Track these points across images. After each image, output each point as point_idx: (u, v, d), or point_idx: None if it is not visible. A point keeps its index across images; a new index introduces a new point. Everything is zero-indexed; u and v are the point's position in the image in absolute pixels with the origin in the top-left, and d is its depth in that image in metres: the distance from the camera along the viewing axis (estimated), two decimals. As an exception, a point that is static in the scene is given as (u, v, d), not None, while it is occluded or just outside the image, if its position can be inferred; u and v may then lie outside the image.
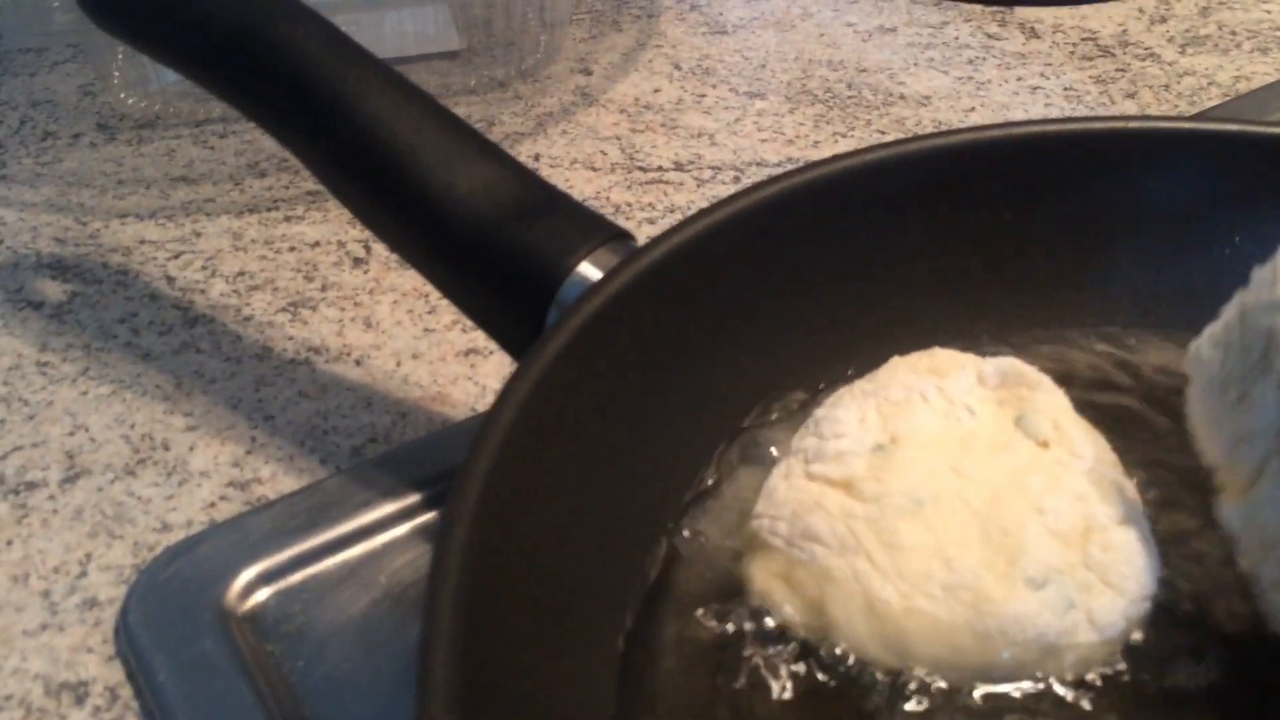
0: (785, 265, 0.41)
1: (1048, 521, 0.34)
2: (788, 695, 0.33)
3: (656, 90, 0.73)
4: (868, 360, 0.42)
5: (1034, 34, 0.79)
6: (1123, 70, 0.74)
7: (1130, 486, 0.36)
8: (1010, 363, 0.39)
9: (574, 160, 0.66)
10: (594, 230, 0.39)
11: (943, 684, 0.32)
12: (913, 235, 0.43)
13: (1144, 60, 0.75)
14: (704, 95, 0.72)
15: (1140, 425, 0.41)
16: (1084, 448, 0.36)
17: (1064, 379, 0.41)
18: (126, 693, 0.38)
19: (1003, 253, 0.43)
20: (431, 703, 0.25)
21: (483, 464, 0.30)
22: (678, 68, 0.76)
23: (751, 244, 0.40)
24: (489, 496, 0.29)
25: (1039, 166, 0.43)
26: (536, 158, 0.67)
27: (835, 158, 0.41)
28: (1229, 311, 0.33)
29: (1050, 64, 0.75)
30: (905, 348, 0.41)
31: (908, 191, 0.42)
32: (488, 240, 0.39)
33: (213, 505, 0.45)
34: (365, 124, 0.40)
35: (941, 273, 0.43)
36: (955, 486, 0.35)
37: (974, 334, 0.44)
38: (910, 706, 0.32)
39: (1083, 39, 0.78)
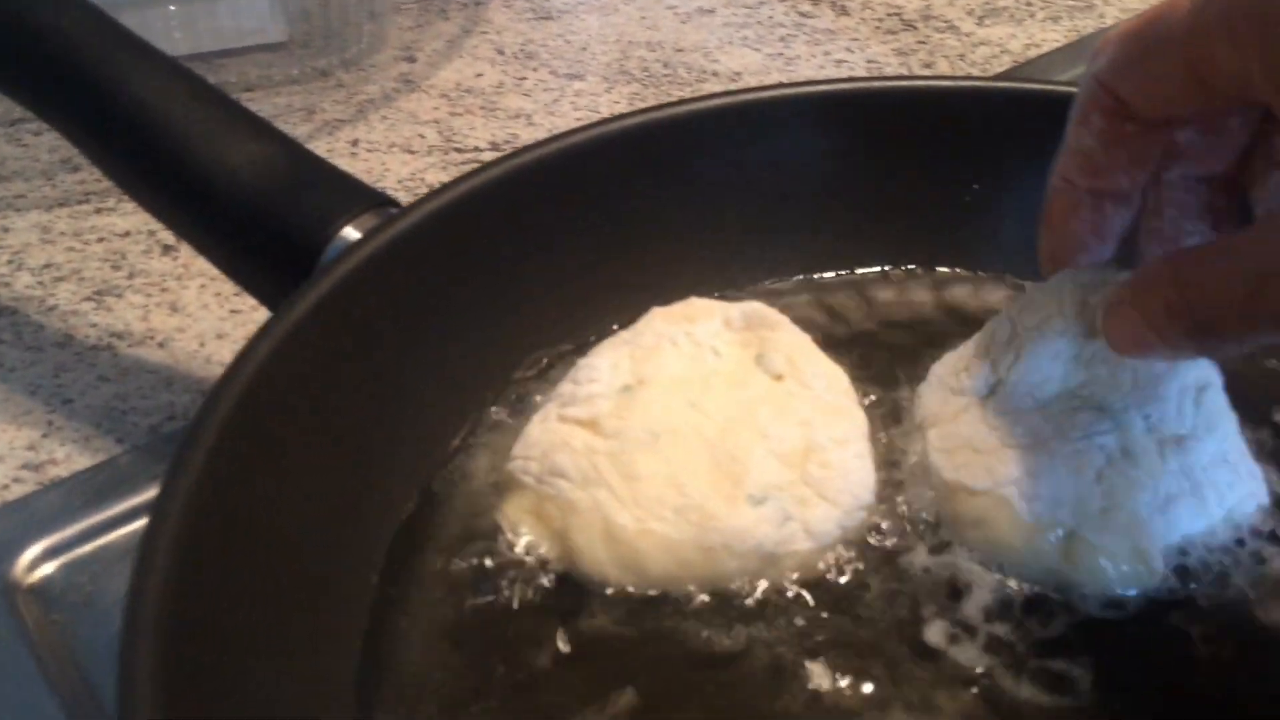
0: (548, 227, 0.43)
1: (771, 445, 0.36)
2: (535, 617, 0.35)
3: (479, 75, 0.75)
4: (636, 313, 0.44)
5: (844, 11, 0.82)
6: (923, 42, 0.78)
7: (857, 411, 0.39)
8: (754, 306, 0.41)
9: (392, 144, 0.68)
10: (359, 198, 0.40)
11: (676, 596, 0.34)
12: (669, 195, 0.45)
13: (943, 32, 0.79)
14: (524, 78, 0.74)
15: (881, 350, 0.44)
16: (815, 379, 0.39)
17: (814, 319, 0.44)
18: (-92, 668, 0.39)
19: (756, 207, 0.46)
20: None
21: (215, 419, 0.31)
22: (501, 53, 0.77)
23: (512, 207, 0.42)
24: (223, 445, 0.31)
25: (774, 129, 0.45)
26: (355, 143, 0.68)
27: (588, 126, 0.44)
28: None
29: (857, 39, 0.79)
30: (670, 300, 0.44)
31: (656, 156, 0.44)
32: (256, 211, 0.40)
33: (5, 488, 0.46)
34: (133, 105, 0.41)
35: (700, 229, 0.46)
36: (691, 420, 0.37)
37: (734, 284, 0.46)
38: (647, 620, 0.34)
39: (889, 14, 0.82)
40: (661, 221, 0.45)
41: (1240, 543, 0.36)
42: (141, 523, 0.43)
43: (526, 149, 0.42)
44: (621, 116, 0.45)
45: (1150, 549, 0.35)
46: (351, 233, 0.39)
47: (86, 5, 0.44)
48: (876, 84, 0.47)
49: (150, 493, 0.44)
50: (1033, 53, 0.76)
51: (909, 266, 0.48)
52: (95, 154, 0.43)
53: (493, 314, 0.42)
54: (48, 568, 0.41)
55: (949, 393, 0.39)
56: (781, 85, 0.46)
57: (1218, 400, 0.37)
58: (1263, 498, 0.37)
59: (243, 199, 0.40)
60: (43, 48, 0.42)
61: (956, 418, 0.38)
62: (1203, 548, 0.36)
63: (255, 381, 0.33)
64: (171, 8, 0.73)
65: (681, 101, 0.45)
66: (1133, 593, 0.35)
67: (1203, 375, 0.37)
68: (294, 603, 0.32)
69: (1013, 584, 0.35)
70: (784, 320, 0.41)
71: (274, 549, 0.32)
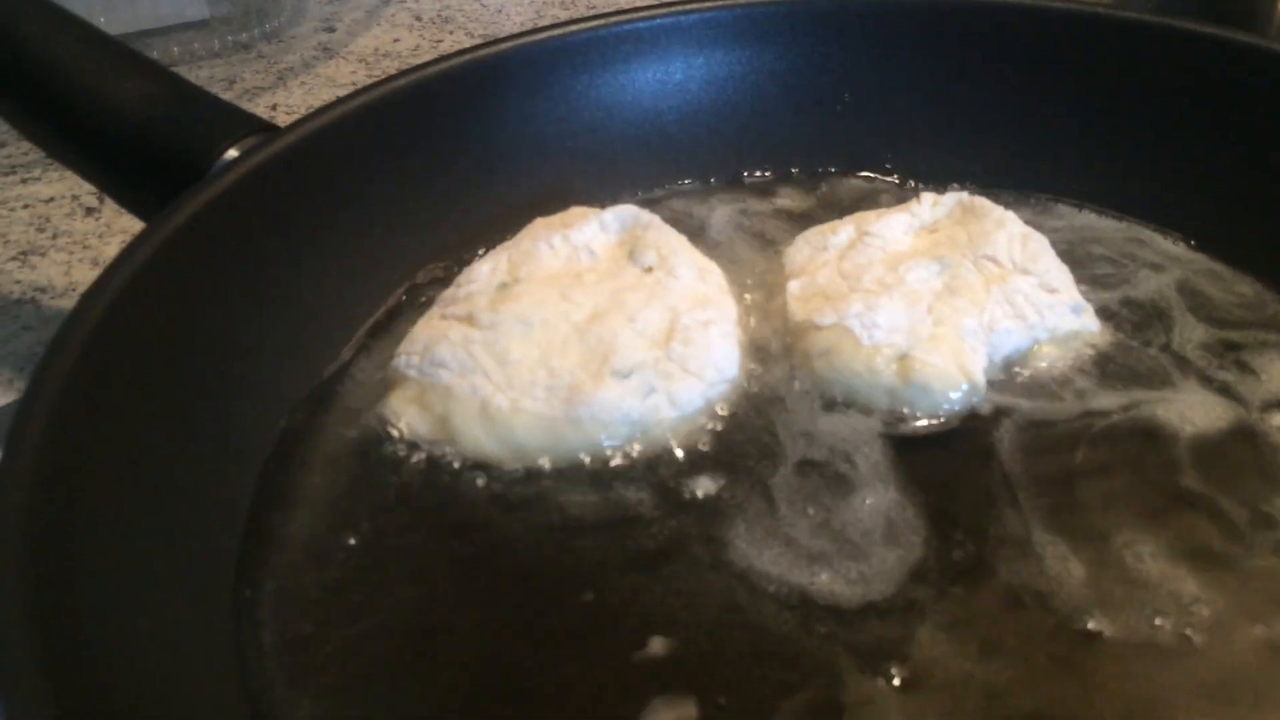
0: (429, 148, 0.45)
1: (637, 328, 0.38)
2: (414, 491, 0.37)
3: (396, 40, 0.77)
4: (524, 225, 0.46)
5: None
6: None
7: (726, 299, 0.41)
8: (628, 209, 0.43)
9: (309, 107, 0.70)
10: (241, 123, 0.42)
11: (545, 465, 0.37)
12: (553, 114, 0.47)
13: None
14: (441, 41, 0.77)
15: (760, 250, 0.46)
16: (683, 270, 0.41)
17: (709, 222, 0.47)
18: None
19: (637, 123, 0.48)
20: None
21: (88, 313, 0.33)
22: (419, 19, 0.80)
23: (392, 129, 0.44)
24: (98, 341, 0.32)
25: (661, 49, 0.48)
26: (274, 108, 0.70)
27: (464, 50, 0.46)
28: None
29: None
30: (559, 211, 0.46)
31: (533, 79, 0.46)
32: (143, 139, 0.42)
33: (-71, 429, 0.47)
34: (19, 48, 0.43)
35: (583, 145, 0.48)
36: (562, 309, 0.39)
37: (617, 197, 0.48)
38: (520, 489, 0.36)
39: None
40: (544, 140, 0.47)
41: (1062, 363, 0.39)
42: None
43: (402, 74, 0.45)
44: (495, 41, 0.47)
45: (972, 365, 0.37)
46: (234, 154, 0.41)
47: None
48: (746, 1, 0.49)
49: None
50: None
51: (793, 171, 0.50)
52: (-6, 100, 0.45)
53: (381, 228, 0.44)
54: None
55: (814, 250, 0.42)
56: (649, 7, 0.49)
57: (1041, 244, 0.40)
58: (1091, 325, 0.40)
59: (131, 128, 0.42)
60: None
61: (816, 271, 0.41)
62: (1027, 363, 0.39)
63: (128, 287, 0.34)
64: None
65: (551, 27, 0.47)
66: (958, 404, 0.37)
67: (1028, 229, 0.41)
68: (174, 491, 0.33)
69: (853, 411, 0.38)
70: (655, 219, 0.43)
71: (154, 441, 0.34)
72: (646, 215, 0.43)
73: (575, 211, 0.44)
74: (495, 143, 0.47)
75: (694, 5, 0.49)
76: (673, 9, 0.49)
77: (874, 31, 0.49)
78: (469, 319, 0.39)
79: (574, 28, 0.48)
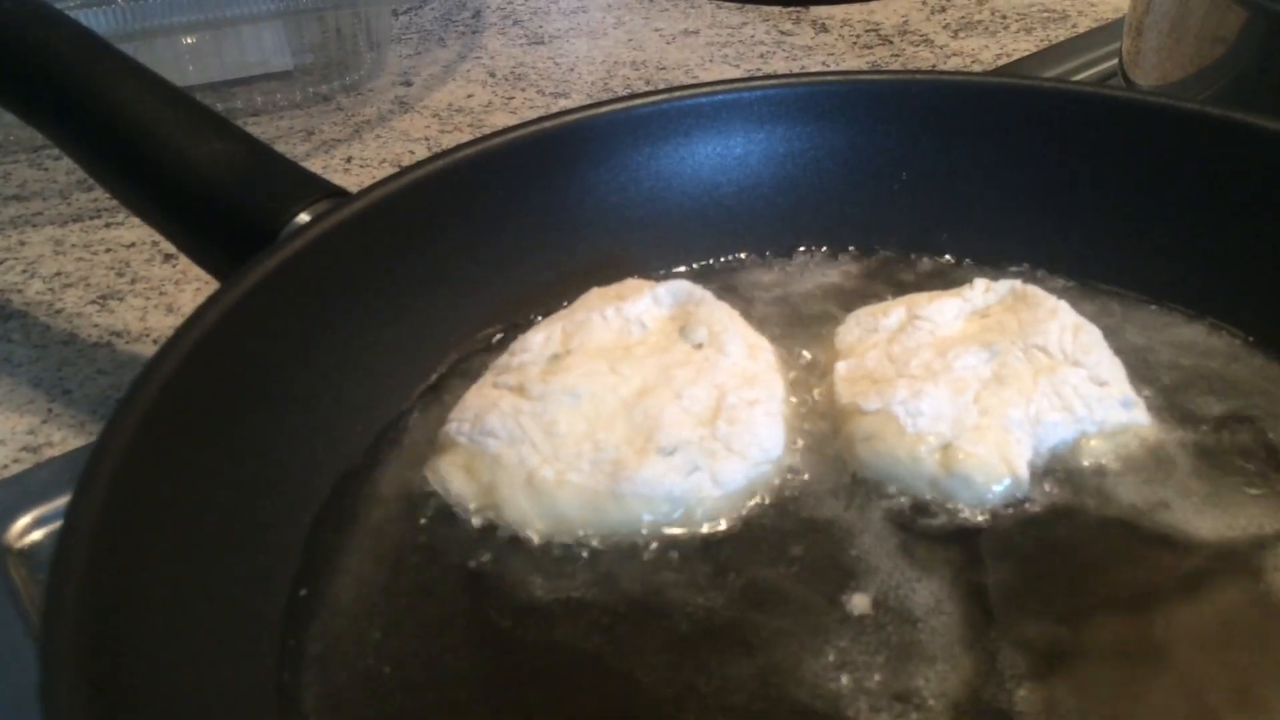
0: (492, 215, 0.46)
1: (684, 405, 0.39)
2: (457, 558, 0.37)
3: (469, 96, 0.79)
4: (581, 292, 0.47)
5: (824, 29, 0.85)
6: (897, 55, 0.81)
7: (774, 377, 0.42)
8: (682, 284, 0.44)
9: (383, 160, 0.72)
10: (313, 188, 0.44)
11: (596, 542, 0.37)
12: (611, 185, 0.48)
13: (918, 46, 0.82)
14: (512, 97, 0.78)
15: (812, 327, 0.46)
16: (733, 347, 0.41)
17: (763, 297, 0.47)
18: (-94, 622, 0.43)
19: (695, 195, 0.49)
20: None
21: (158, 376, 0.34)
22: (492, 75, 0.82)
23: (457, 196, 0.45)
24: (163, 402, 0.34)
25: (723, 124, 0.49)
26: (349, 160, 0.72)
27: (534, 121, 0.47)
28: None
29: (833, 54, 0.82)
30: (616, 279, 0.47)
31: (597, 150, 0.47)
32: (215, 201, 0.44)
33: (5, 467, 0.49)
34: (111, 109, 0.45)
35: (640, 212, 0.49)
36: (610, 383, 0.40)
37: (671, 266, 0.49)
38: (560, 561, 0.37)
39: (867, 30, 0.85)
40: (603, 209, 0.48)
41: (1109, 458, 0.39)
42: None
43: (470, 143, 0.46)
44: (563, 113, 0.48)
45: (1017, 458, 0.37)
46: (305, 218, 0.43)
47: (72, 23, 0.48)
48: (809, 79, 0.50)
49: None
50: (1003, 61, 0.79)
51: (849, 249, 0.50)
52: (80, 155, 0.47)
53: (441, 292, 0.45)
54: (36, 534, 0.45)
55: (864, 331, 0.43)
56: (712, 83, 0.50)
57: (1094, 336, 0.40)
58: (1141, 419, 0.40)
59: (206, 192, 0.44)
60: (35, 62, 0.46)
61: (864, 353, 0.42)
62: (1074, 459, 0.39)
63: (199, 345, 0.36)
64: (186, 40, 0.78)
65: (616, 100, 0.48)
66: (1000, 497, 0.37)
67: (1081, 320, 0.41)
68: (228, 543, 0.35)
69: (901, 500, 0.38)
70: (708, 295, 0.44)
71: (213, 494, 0.35)
72: (699, 291, 0.44)
73: (630, 284, 0.45)
74: (556, 211, 0.48)
75: (757, 83, 0.50)
76: (736, 86, 0.49)
77: (934, 112, 0.49)
78: (520, 389, 0.40)
79: (638, 101, 0.49)
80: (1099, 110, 0.47)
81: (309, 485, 0.39)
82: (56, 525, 0.45)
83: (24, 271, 0.62)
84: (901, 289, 0.48)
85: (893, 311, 0.43)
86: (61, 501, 0.46)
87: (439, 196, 0.45)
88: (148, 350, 0.56)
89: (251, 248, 0.43)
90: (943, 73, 0.52)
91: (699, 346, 0.42)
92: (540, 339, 0.42)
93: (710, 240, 0.50)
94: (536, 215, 0.48)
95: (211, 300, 0.37)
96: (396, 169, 0.70)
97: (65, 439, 0.51)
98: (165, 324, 0.58)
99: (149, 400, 0.33)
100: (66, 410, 0.52)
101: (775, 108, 0.49)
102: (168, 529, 0.33)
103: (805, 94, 0.49)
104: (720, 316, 0.43)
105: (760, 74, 0.80)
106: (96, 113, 0.45)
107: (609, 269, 0.49)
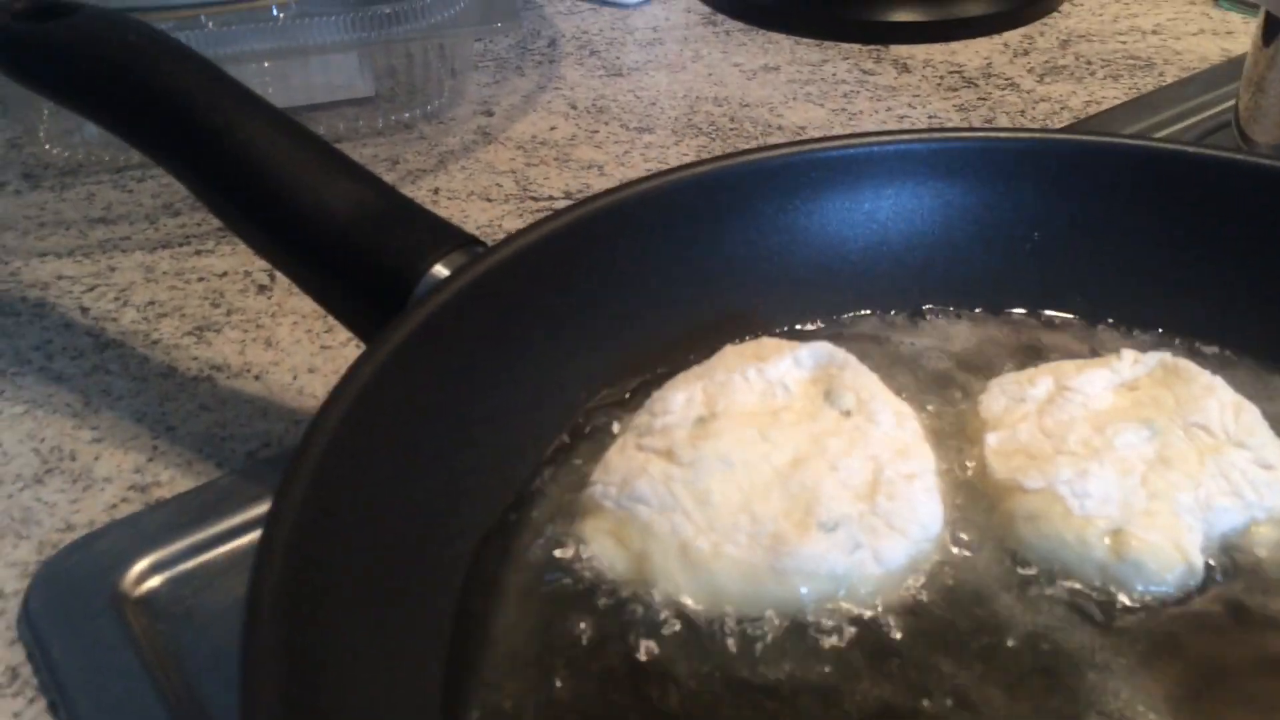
0: (622, 267, 0.45)
1: (841, 477, 0.38)
2: (606, 629, 0.36)
3: (553, 128, 0.78)
4: (707, 347, 0.46)
5: (905, 69, 0.85)
6: (984, 99, 0.80)
7: (924, 449, 0.41)
8: (823, 346, 0.43)
9: (471, 193, 0.71)
10: (448, 237, 0.43)
11: (753, 618, 0.36)
12: (739, 238, 0.47)
13: (1004, 89, 0.81)
14: (596, 131, 0.78)
15: (948, 391, 0.45)
16: (883, 416, 0.41)
17: (892, 357, 0.47)
18: (26, 670, 0.42)
19: (822, 250, 0.48)
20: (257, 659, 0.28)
21: (321, 435, 0.33)
22: (574, 107, 0.81)
23: (590, 249, 0.44)
24: (326, 462, 0.33)
25: (853, 178, 0.48)
26: (436, 191, 0.71)
27: (665, 172, 0.46)
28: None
29: (918, 95, 0.81)
30: (740, 334, 0.46)
31: (728, 201, 0.47)
32: (350, 247, 0.43)
33: (114, 507, 0.49)
34: (240, 148, 0.44)
35: (765, 266, 0.48)
36: (762, 450, 0.39)
37: (801, 320, 0.49)
38: (715, 637, 0.36)
39: (950, 72, 0.84)
40: (729, 263, 0.48)
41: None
42: (241, 541, 0.46)
43: (603, 194, 0.45)
44: (693, 164, 0.47)
45: (1190, 546, 0.36)
46: (441, 270, 0.42)
47: (199, 58, 0.48)
48: (943, 135, 0.49)
49: (249, 513, 0.47)
50: (1093, 109, 0.78)
51: (976, 310, 0.49)
52: (206, 196, 0.46)
53: (572, 346, 0.44)
54: (154, 581, 0.44)
55: (1010, 401, 0.42)
56: (844, 136, 0.49)
57: (1254, 415, 0.40)
58: None
59: (339, 237, 0.43)
60: (162, 100, 0.45)
61: (1015, 425, 0.41)
62: (1245, 546, 0.38)
63: (356, 405, 0.35)
64: (266, 64, 0.77)
65: (747, 151, 0.47)
66: (1172, 586, 0.36)
67: (1239, 398, 0.40)
68: (380, 623, 0.34)
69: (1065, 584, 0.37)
70: (851, 359, 0.43)
71: (369, 557, 0.34)
72: (842, 354, 0.43)
73: (768, 344, 0.44)
74: (683, 263, 0.47)
75: (889, 137, 0.49)
76: (868, 140, 0.49)
77: (1071, 172, 0.48)
78: (668, 454, 0.39)
79: (768, 153, 0.48)
80: (1244, 178, 0.46)
81: (453, 552, 0.38)
82: (174, 572, 0.45)
83: (116, 299, 0.61)
84: (1033, 352, 0.47)
85: (1039, 381, 0.43)
86: (177, 546, 0.45)
87: (572, 249, 0.44)
88: (249, 385, 0.55)
89: (385, 296, 0.42)
90: (1081, 132, 0.51)
91: (847, 414, 0.41)
92: (681, 399, 0.42)
93: (836, 296, 0.50)
94: (664, 268, 0.47)
95: (360, 363, 0.36)
96: (485, 201, 0.69)
97: (173, 478, 0.50)
98: (264, 359, 0.57)
99: (309, 474, 0.33)
100: (172, 448, 0.52)
101: (907, 163, 0.49)
102: (327, 612, 0.32)
103: (938, 150, 0.49)
104: (866, 382, 0.42)
105: (844, 111, 0.79)
106: (225, 153, 0.44)
107: (735, 323, 0.48)
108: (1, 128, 0.78)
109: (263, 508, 0.47)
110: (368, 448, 0.35)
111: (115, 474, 0.50)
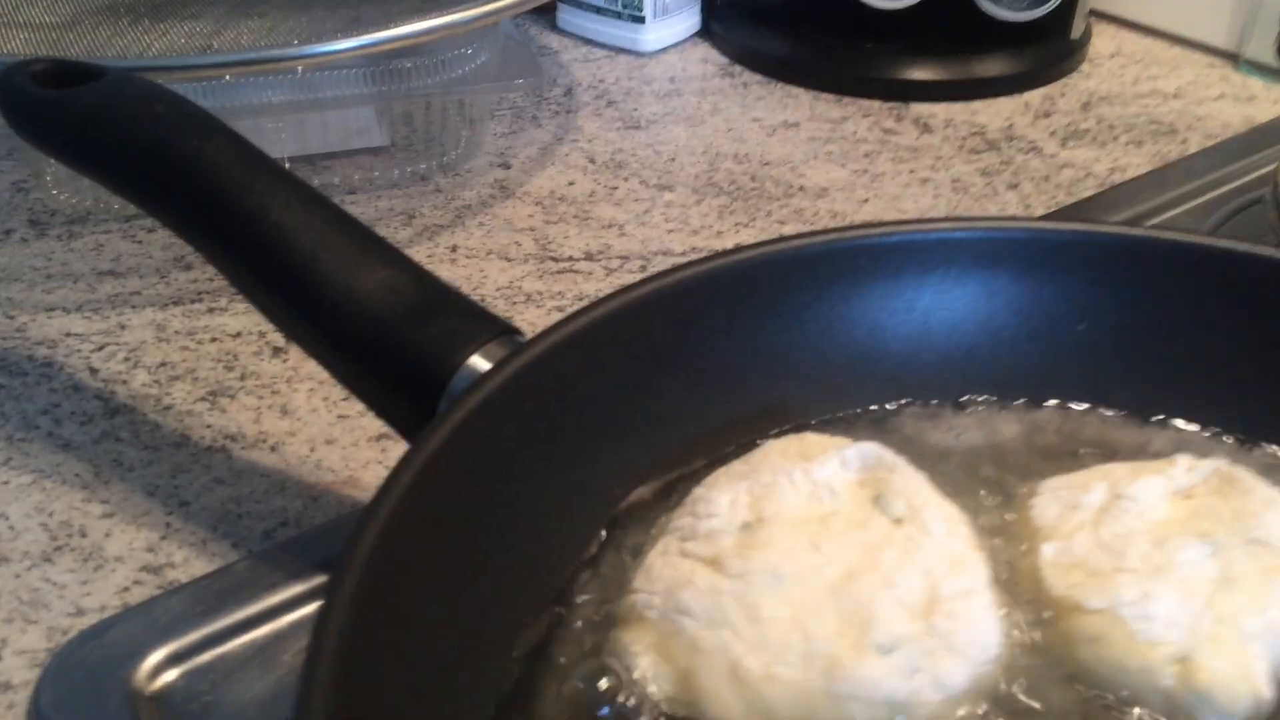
0: (661, 356, 0.44)
1: (897, 594, 0.37)
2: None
3: (571, 183, 0.77)
4: (743, 438, 0.45)
5: (926, 129, 0.84)
6: (1007, 163, 0.79)
7: (978, 559, 0.39)
8: (871, 447, 0.42)
9: (489, 251, 0.70)
10: (484, 327, 0.42)
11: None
12: (777, 326, 0.46)
13: (1027, 153, 0.80)
14: (616, 187, 0.76)
15: (998, 490, 0.44)
16: (935, 524, 0.39)
17: (934, 451, 0.45)
18: (35, 774, 0.40)
19: (864, 342, 0.47)
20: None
21: (363, 549, 0.32)
22: (592, 161, 0.80)
23: (626, 337, 0.43)
24: (368, 579, 0.32)
25: (895, 266, 0.47)
26: (454, 249, 0.70)
27: (707, 258, 0.45)
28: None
29: (940, 157, 0.80)
30: (779, 423, 0.45)
31: (768, 290, 0.45)
32: (385, 336, 0.41)
33: (126, 590, 0.47)
34: (271, 231, 0.43)
35: (801, 355, 0.47)
36: (814, 563, 0.37)
37: (833, 409, 0.47)
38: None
39: (971, 133, 0.83)
40: (765, 352, 0.46)
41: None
42: (259, 631, 0.45)
43: (640, 283, 0.44)
44: (733, 251, 0.46)
45: (1258, 674, 0.35)
46: (478, 361, 0.41)
47: (228, 131, 0.46)
48: (988, 224, 0.48)
49: (266, 601, 0.45)
50: (1117, 177, 0.77)
51: (1018, 401, 0.48)
52: (235, 276, 0.45)
53: (608, 440, 0.43)
54: (170, 675, 0.42)
55: (1063, 508, 0.41)
56: (886, 224, 0.48)
57: None
58: None
59: (373, 325, 0.42)
60: (192, 178, 0.44)
61: (1070, 535, 0.40)
62: None
63: (393, 519, 0.34)
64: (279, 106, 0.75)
65: (787, 238, 0.46)
66: (1240, 718, 0.35)
67: None
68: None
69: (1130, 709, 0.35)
70: (901, 462, 0.41)
71: (410, 678, 0.33)
72: (890, 456, 0.42)
73: (811, 440, 0.43)
74: (720, 353, 0.46)
75: (930, 224, 0.48)
76: (910, 227, 0.48)
77: (1119, 265, 0.47)
78: (715, 563, 0.38)
79: (808, 240, 0.47)
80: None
81: (490, 664, 0.37)
82: (191, 665, 0.43)
83: (127, 359, 0.60)
84: (1079, 449, 0.46)
85: (1093, 487, 0.41)
86: (194, 636, 0.44)
87: (609, 340, 0.43)
88: (264, 457, 0.54)
89: (420, 386, 0.41)
90: (1129, 226, 0.50)
91: (898, 521, 0.39)
92: (725, 501, 0.40)
93: (875, 385, 0.48)
94: (702, 356, 0.46)
95: (398, 473, 0.35)
96: (504, 260, 0.68)
97: (187, 559, 0.48)
98: (280, 428, 0.55)
99: (349, 600, 0.31)
100: (185, 525, 0.50)
101: (951, 252, 0.48)
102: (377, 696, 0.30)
103: (982, 239, 0.48)
104: (917, 487, 0.41)
105: (866, 173, 0.78)
106: (256, 234, 0.43)
107: (772, 413, 0.47)
108: (7, 170, 0.77)
109: (280, 595, 0.46)
110: (408, 565, 0.34)
111: (127, 553, 0.48)
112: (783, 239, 0.47)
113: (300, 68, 0.67)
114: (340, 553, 0.32)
